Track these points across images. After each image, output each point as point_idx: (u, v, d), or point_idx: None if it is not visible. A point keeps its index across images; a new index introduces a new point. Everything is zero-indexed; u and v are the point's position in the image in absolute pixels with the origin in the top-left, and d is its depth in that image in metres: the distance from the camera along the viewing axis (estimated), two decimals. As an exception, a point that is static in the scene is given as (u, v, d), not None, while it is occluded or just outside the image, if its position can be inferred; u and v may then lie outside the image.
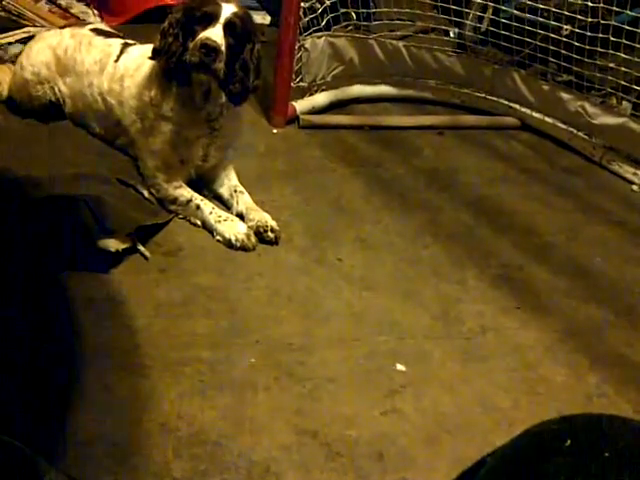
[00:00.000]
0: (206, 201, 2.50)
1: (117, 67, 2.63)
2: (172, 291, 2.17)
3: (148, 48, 2.49)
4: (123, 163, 2.64)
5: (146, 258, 2.27)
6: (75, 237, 2.21)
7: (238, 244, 2.38)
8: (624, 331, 2.30)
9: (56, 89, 2.82)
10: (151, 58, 2.43)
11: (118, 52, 2.67)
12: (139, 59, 2.58)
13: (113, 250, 2.20)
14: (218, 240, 2.42)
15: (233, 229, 2.41)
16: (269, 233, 2.45)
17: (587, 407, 1.97)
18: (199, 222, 2.47)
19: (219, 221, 2.43)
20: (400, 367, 2.02)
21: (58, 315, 2.01)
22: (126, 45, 2.71)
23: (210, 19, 2.27)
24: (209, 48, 2.22)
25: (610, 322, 2.33)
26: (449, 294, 2.36)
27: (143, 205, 2.47)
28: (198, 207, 2.46)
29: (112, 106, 2.63)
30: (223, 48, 2.25)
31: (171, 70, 2.36)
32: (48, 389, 1.78)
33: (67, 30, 2.91)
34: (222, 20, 2.27)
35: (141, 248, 2.28)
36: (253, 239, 2.41)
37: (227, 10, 2.29)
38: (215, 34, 2.24)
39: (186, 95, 2.42)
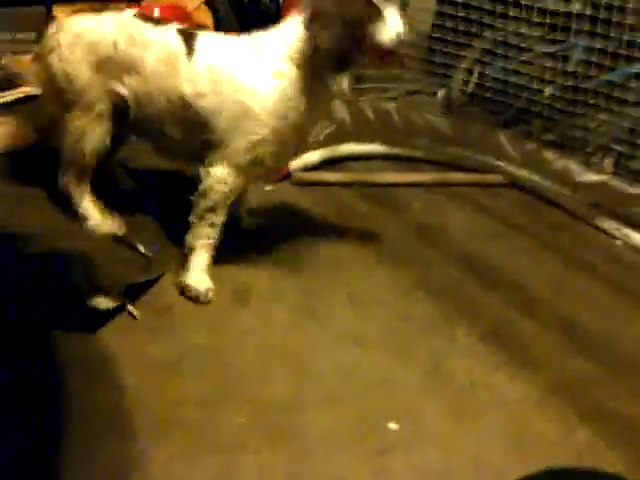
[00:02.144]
0: None
1: (200, 67, 2.38)
2: (162, 350, 2.17)
3: (230, 41, 2.42)
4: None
5: (135, 318, 2.27)
6: (65, 295, 2.21)
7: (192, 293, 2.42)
8: (611, 385, 2.30)
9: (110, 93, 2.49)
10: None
11: (185, 47, 2.40)
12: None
13: (103, 309, 2.20)
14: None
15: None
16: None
17: (578, 463, 1.96)
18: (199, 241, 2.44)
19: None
20: (391, 425, 2.02)
21: (45, 376, 2.00)
22: (189, 36, 2.43)
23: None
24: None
25: (598, 376, 2.34)
26: (440, 350, 2.38)
27: (134, 262, 2.48)
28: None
29: (202, 109, 2.36)
30: None
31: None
32: (33, 452, 1.77)
33: (105, 19, 2.52)
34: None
35: (130, 307, 2.29)
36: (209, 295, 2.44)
37: None
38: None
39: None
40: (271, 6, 4.77)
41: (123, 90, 2.47)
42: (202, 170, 2.42)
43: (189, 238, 2.46)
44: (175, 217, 2.53)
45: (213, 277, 2.50)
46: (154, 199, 2.86)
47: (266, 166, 2.43)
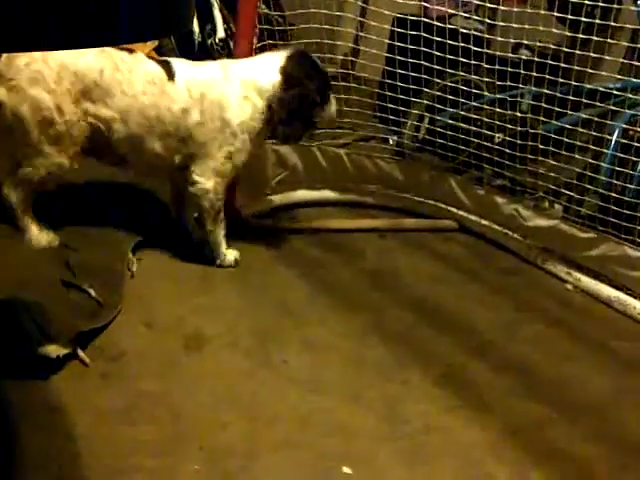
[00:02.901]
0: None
1: (182, 87, 2.69)
2: (114, 398, 2.12)
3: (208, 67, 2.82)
4: (69, 263, 2.63)
5: (86, 365, 2.23)
6: (15, 343, 2.16)
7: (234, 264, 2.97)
8: (564, 427, 2.33)
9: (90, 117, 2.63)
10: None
11: (165, 71, 2.69)
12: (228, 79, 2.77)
13: (53, 356, 2.16)
14: (219, 265, 2.95)
15: (233, 254, 2.98)
16: None
17: (532, 506, 1.98)
18: (211, 238, 2.93)
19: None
20: (347, 470, 2.01)
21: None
22: (162, 62, 2.76)
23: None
24: None
25: (551, 418, 2.36)
26: (394, 394, 2.38)
27: (85, 307, 2.44)
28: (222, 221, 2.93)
29: (187, 124, 2.69)
30: None
31: None
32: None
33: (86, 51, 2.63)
34: None
35: (81, 354, 2.24)
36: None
37: None
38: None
39: None
40: (223, 53, 4.84)
41: (107, 112, 2.62)
42: (192, 188, 2.82)
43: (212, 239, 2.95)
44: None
45: (164, 324, 2.49)
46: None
47: (236, 172, 2.89)
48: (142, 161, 2.79)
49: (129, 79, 2.62)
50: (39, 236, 2.74)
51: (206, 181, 2.79)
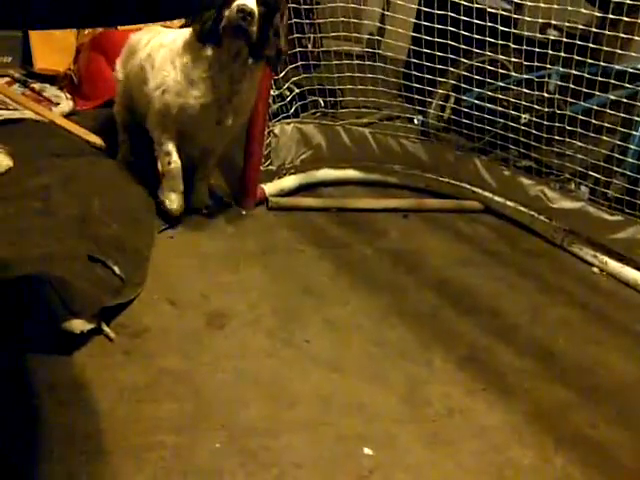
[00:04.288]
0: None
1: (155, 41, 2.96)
2: (136, 374, 2.13)
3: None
4: (98, 238, 2.64)
5: (111, 339, 2.24)
6: (39, 319, 2.17)
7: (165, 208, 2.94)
8: (588, 412, 2.31)
9: None
10: (184, 25, 2.80)
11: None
12: (172, 35, 2.93)
13: (77, 332, 2.17)
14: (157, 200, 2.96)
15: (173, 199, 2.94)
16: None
17: (554, 490, 1.97)
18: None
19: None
20: (367, 451, 2.00)
21: (19, 399, 1.96)
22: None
23: None
24: (245, 12, 2.51)
25: (574, 403, 2.35)
26: (416, 376, 2.37)
27: (108, 284, 2.43)
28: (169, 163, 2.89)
29: (147, 75, 2.89)
30: (256, 14, 2.54)
31: (206, 34, 2.63)
32: (6, 477, 1.73)
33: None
34: None
35: (106, 329, 2.25)
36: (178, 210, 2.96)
37: None
38: (250, 1, 2.53)
39: (214, 59, 2.70)
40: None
41: None
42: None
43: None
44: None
45: (188, 302, 2.49)
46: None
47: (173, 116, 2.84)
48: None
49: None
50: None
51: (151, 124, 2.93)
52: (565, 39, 3.22)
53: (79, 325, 2.18)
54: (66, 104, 3.92)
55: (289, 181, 3.55)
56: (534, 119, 3.41)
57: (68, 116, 3.80)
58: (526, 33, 3.43)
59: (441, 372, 2.40)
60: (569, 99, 3.28)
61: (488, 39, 3.33)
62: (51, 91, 4.08)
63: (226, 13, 2.57)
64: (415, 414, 2.19)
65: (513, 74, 3.54)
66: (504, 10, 3.50)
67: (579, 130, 3.25)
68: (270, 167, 3.48)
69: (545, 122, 3.36)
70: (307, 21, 3.85)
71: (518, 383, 2.41)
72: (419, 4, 3.80)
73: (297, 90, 3.65)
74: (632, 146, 3.17)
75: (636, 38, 3.15)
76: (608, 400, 2.40)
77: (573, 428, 2.24)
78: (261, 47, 2.66)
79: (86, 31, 4.17)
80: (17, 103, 3.77)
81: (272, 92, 3.33)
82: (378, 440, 2.05)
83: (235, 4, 2.54)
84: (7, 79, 4.07)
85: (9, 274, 2.27)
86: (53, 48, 4.25)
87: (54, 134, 3.46)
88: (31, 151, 3.17)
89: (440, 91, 3.90)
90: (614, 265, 3.25)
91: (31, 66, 4.22)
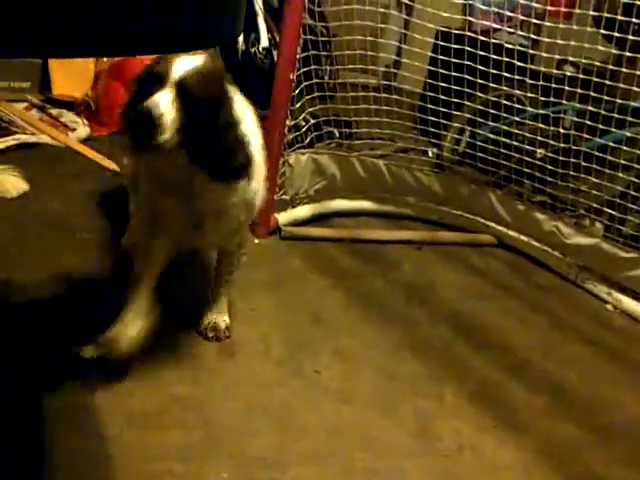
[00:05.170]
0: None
1: None
2: (146, 400, 2.12)
3: None
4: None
5: (122, 367, 2.24)
6: (50, 343, 2.18)
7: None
8: (600, 450, 2.28)
9: None
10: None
11: None
12: None
13: (88, 357, 2.17)
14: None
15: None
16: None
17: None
18: None
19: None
20: (376, 485, 1.99)
21: (28, 423, 1.96)
22: None
23: (160, 80, 1.83)
24: (147, 117, 1.77)
25: (586, 441, 2.31)
26: (427, 410, 2.34)
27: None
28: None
29: None
30: (170, 116, 1.79)
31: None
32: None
33: None
34: (173, 81, 1.82)
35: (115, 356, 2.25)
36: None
37: (181, 67, 1.84)
38: (159, 99, 1.79)
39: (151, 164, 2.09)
40: (266, 62, 4.86)
41: None
42: None
43: None
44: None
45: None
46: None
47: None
48: None
49: None
50: None
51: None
52: (582, 75, 3.23)
53: (89, 351, 2.18)
54: (83, 130, 3.98)
55: (303, 211, 3.56)
56: (549, 154, 3.40)
57: (84, 142, 3.85)
58: (543, 69, 3.44)
59: (452, 407, 2.38)
60: (585, 135, 3.28)
61: (504, 74, 3.35)
62: (68, 117, 4.13)
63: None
64: (425, 449, 2.17)
65: (529, 109, 3.54)
66: (521, 45, 3.52)
67: (594, 166, 3.25)
68: (284, 196, 3.49)
69: (560, 157, 3.36)
70: (324, 53, 3.88)
71: (529, 420, 2.38)
72: (436, 38, 3.83)
73: (313, 120, 3.68)
74: (648, 183, 3.16)
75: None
76: (620, 439, 2.36)
77: (584, 467, 2.20)
78: (201, 155, 1.92)
79: (105, 58, 4.23)
80: (34, 128, 3.82)
81: (288, 122, 3.35)
82: (387, 474, 2.03)
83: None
84: (25, 104, 4.13)
85: (22, 297, 2.28)
86: (71, 74, 4.32)
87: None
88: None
89: (455, 124, 3.91)
90: (628, 303, 3.22)
91: (49, 92, 4.29)
